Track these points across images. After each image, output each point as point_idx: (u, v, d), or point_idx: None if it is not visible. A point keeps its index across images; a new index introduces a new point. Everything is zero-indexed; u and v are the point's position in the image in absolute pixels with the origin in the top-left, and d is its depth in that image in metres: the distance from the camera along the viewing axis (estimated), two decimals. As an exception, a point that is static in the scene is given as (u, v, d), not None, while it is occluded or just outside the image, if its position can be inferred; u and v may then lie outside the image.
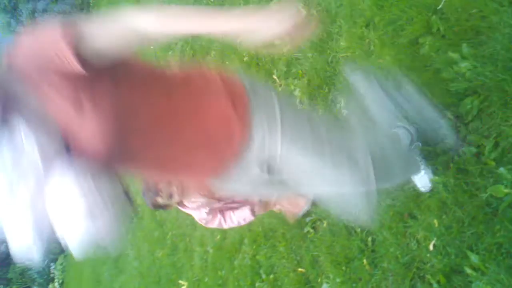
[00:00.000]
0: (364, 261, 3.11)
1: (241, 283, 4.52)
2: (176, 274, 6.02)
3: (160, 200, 3.11)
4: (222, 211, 3.31)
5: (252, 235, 4.43)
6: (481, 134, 2.45)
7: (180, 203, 3.26)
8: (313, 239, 3.63)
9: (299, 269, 3.75)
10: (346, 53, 3.50)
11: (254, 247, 4.40)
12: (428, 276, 2.65)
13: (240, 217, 3.37)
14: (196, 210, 3.29)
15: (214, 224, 3.35)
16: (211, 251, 5.25)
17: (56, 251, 14.25)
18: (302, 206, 3.64)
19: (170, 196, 3.11)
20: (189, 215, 3.46)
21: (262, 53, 4.62)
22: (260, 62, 4.66)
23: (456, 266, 2.50)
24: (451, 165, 2.57)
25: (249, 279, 4.39)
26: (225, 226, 3.41)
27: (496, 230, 2.32)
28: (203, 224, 3.39)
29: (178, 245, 6.15)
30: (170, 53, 7.27)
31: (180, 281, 5.82)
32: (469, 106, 2.49)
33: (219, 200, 3.27)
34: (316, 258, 3.59)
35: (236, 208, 3.35)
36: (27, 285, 17.24)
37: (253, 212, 3.43)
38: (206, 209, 3.26)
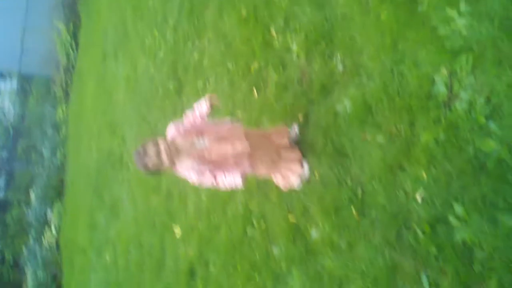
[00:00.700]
0: (353, 210, 3.23)
1: (233, 229, 4.67)
2: (170, 220, 6.17)
3: (151, 164, 3.17)
4: (212, 171, 3.39)
5: (246, 184, 4.54)
6: (474, 90, 2.52)
7: (173, 166, 3.33)
8: (304, 190, 3.74)
9: (290, 217, 3.88)
10: (344, 9, 3.52)
11: (246, 195, 4.53)
12: (414, 225, 2.78)
13: (231, 182, 3.45)
14: (187, 171, 3.36)
15: (207, 183, 3.43)
16: (204, 198, 5.38)
17: (53, 198, 14.45)
18: (294, 183, 3.76)
19: (160, 159, 3.18)
20: (183, 179, 3.54)
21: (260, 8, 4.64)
22: (258, 16, 4.67)
23: (441, 216, 2.63)
24: (443, 120, 2.66)
25: (241, 226, 4.53)
26: (217, 185, 3.49)
27: (482, 182, 2.42)
28: (195, 183, 3.47)
29: (172, 192, 6.27)
30: (168, 5, 7.23)
31: (174, 227, 5.98)
32: (463, 63, 2.55)
33: (209, 163, 3.36)
34: (306, 207, 3.72)
35: (227, 171, 3.43)
36: (24, 230, 17.51)
37: (244, 179, 3.52)
38: (195, 171, 3.34)
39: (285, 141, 3.77)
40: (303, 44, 3.98)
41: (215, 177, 3.37)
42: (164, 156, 3.17)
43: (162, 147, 3.17)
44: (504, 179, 2.32)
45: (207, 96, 3.52)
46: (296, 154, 3.74)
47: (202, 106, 3.50)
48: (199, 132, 3.40)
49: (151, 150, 3.15)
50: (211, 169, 3.34)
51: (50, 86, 17.17)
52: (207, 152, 3.32)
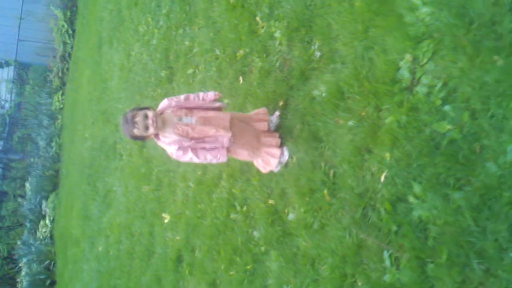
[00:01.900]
0: (325, 192, 3.37)
1: (218, 215, 4.80)
2: (160, 208, 6.30)
3: (136, 131, 3.35)
4: (193, 149, 3.56)
5: (230, 170, 4.69)
6: (433, 75, 2.66)
7: (156, 136, 3.51)
8: (282, 173, 3.88)
9: (269, 201, 4.02)
10: (322, -3, 3.66)
11: (231, 181, 4.67)
12: (378, 205, 2.92)
13: (215, 156, 3.62)
14: (168, 145, 3.53)
15: (185, 159, 3.59)
16: (192, 186, 5.51)
17: (48, 189, 14.54)
18: (273, 166, 3.91)
19: (146, 127, 3.35)
20: (163, 149, 3.71)
21: None
22: (245, 4, 4.80)
23: (401, 195, 2.77)
24: (405, 103, 2.79)
25: (225, 211, 4.67)
26: (197, 161, 3.65)
27: (437, 162, 2.56)
28: (173, 157, 3.64)
29: (162, 180, 6.41)
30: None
31: (164, 215, 6.11)
32: (425, 49, 2.69)
33: (191, 139, 3.51)
34: (284, 190, 3.86)
35: (208, 148, 3.60)
36: (19, 222, 17.60)
37: (225, 154, 3.69)
38: (176, 146, 3.51)
39: (265, 125, 3.92)
40: (285, 31, 4.11)
41: (196, 152, 3.52)
42: (150, 126, 3.33)
43: (150, 116, 3.34)
44: (456, 158, 2.46)
45: (215, 91, 3.78)
46: (275, 139, 3.88)
47: (208, 95, 3.69)
48: (188, 110, 3.56)
49: (138, 118, 3.32)
50: (192, 146, 3.49)
51: (46, 75, 17.27)
52: (191, 129, 3.46)
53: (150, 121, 3.34)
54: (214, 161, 3.64)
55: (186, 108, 3.61)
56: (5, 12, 16.02)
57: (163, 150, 3.65)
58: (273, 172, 3.98)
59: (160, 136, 3.50)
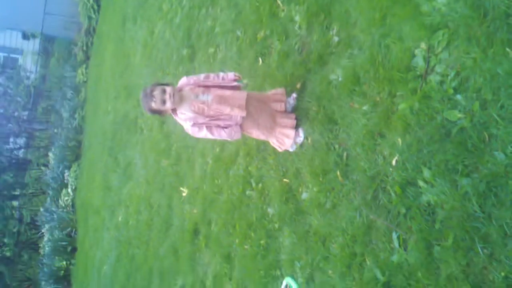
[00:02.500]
0: (338, 173, 3.48)
1: (234, 191, 4.94)
2: (178, 182, 6.47)
3: (154, 105, 3.50)
4: (208, 126, 3.71)
5: (247, 148, 4.81)
6: (447, 65, 2.72)
7: (174, 112, 3.65)
8: (298, 153, 3.99)
9: (284, 180, 4.14)
10: (343, -17, 3.72)
11: (247, 159, 4.79)
12: (388, 188, 3.01)
13: (230, 133, 3.76)
14: (184, 121, 3.69)
15: (200, 135, 3.75)
16: (210, 162, 5.66)
17: (71, 159, 14.87)
18: (288, 146, 4.02)
19: (163, 102, 3.50)
20: (179, 124, 3.86)
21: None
22: (266, -14, 4.87)
23: (411, 179, 2.86)
24: (419, 91, 2.87)
25: (241, 187, 4.81)
26: (211, 137, 3.80)
27: (447, 149, 2.64)
28: (189, 133, 3.79)
29: (181, 155, 6.57)
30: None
31: (182, 188, 6.28)
32: (440, 38, 2.75)
33: (206, 116, 3.65)
34: (299, 170, 3.97)
35: (223, 126, 3.74)
36: (42, 190, 18.06)
37: (239, 132, 3.84)
38: (191, 122, 3.66)
39: (282, 106, 4.02)
40: (305, 15, 4.18)
41: (210, 130, 3.66)
42: (167, 101, 3.49)
43: (168, 92, 3.49)
44: (465, 146, 2.53)
45: (235, 72, 3.90)
46: (291, 120, 3.98)
47: (228, 75, 3.82)
48: (206, 88, 3.69)
49: (157, 92, 3.48)
50: (206, 123, 3.63)
51: (71, 48, 17.51)
52: (207, 107, 3.59)
53: (167, 96, 3.49)
54: (229, 139, 3.79)
55: (203, 86, 3.73)
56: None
57: (182, 126, 3.80)
58: (288, 151, 4.09)
59: (178, 112, 3.65)
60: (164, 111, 3.60)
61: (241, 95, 3.75)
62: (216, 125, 3.70)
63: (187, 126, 3.70)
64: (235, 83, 3.85)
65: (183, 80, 3.80)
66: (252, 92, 4.20)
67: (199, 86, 3.74)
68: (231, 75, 3.83)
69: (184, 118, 3.64)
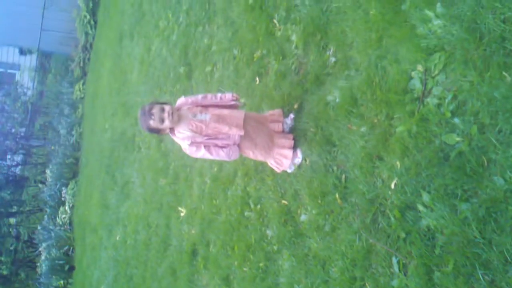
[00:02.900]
0: (337, 196, 3.45)
1: (232, 211, 4.90)
2: (176, 202, 6.43)
3: (152, 123, 3.49)
4: (206, 146, 3.69)
5: (245, 168, 4.78)
6: (444, 87, 2.71)
7: (171, 131, 3.64)
8: (296, 175, 3.96)
9: (283, 201, 4.10)
10: (339, 3, 3.71)
11: (245, 179, 4.76)
12: (388, 211, 2.98)
13: (228, 153, 3.75)
14: (182, 140, 3.68)
15: (197, 155, 3.73)
16: (208, 181, 5.62)
17: (68, 176, 14.81)
18: (286, 167, 3.99)
19: (162, 120, 3.49)
20: (177, 143, 3.85)
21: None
22: (263, 5, 4.86)
23: (410, 203, 2.83)
24: (416, 113, 2.84)
25: (239, 208, 4.77)
26: (209, 157, 3.78)
27: (445, 173, 2.62)
28: (187, 153, 3.77)
29: (179, 174, 6.54)
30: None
31: (180, 208, 6.24)
32: (436, 61, 2.73)
33: (204, 135, 3.64)
34: (297, 191, 3.94)
35: (221, 145, 3.73)
36: (39, 207, 17.96)
37: (237, 152, 3.83)
38: (189, 141, 3.64)
39: (279, 126, 4.00)
40: (301, 35, 4.17)
41: (208, 149, 3.65)
42: (165, 119, 3.48)
43: (166, 110, 3.49)
44: (464, 171, 2.51)
45: (233, 93, 3.90)
46: (288, 141, 3.95)
47: (226, 95, 3.81)
48: (203, 107, 3.68)
49: (156, 110, 3.47)
50: (204, 142, 3.62)
51: (68, 64, 17.54)
52: (205, 126, 3.58)
53: (166, 114, 3.50)
54: (227, 158, 3.77)
55: (201, 105, 3.73)
56: (29, 1, 16.25)
57: (180, 145, 3.78)
58: (286, 173, 4.06)
59: (175, 131, 3.64)
60: (162, 129, 3.59)
61: (239, 114, 3.74)
62: (214, 145, 3.68)
63: (185, 146, 3.68)
64: (233, 103, 3.85)
65: (181, 100, 3.80)
66: (250, 112, 4.19)
67: (197, 105, 3.74)
68: (229, 95, 3.83)
69: (182, 137, 3.64)
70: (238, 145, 3.79)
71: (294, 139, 3.99)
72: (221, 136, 3.67)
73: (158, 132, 3.65)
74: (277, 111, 4.13)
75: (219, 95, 3.85)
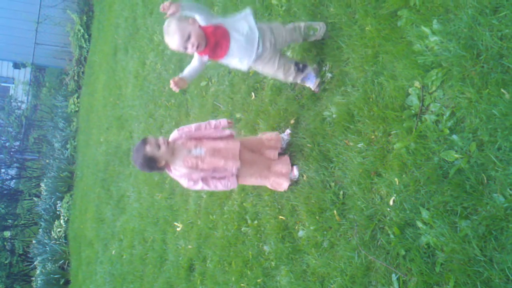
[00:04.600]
0: (335, 212, 3.43)
1: (229, 227, 4.87)
2: (173, 216, 6.39)
3: (148, 148, 3.45)
4: (204, 179, 3.70)
5: (241, 184, 4.74)
6: (442, 104, 2.71)
7: (168, 168, 3.66)
8: (293, 190, 3.94)
9: (280, 217, 4.08)
10: (334, 19, 3.71)
11: (242, 195, 4.74)
12: (387, 228, 2.97)
13: (225, 185, 3.77)
14: (179, 177, 3.68)
15: (196, 188, 3.76)
16: (204, 196, 5.59)
17: (63, 190, 14.72)
18: (285, 186, 3.97)
19: (158, 146, 3.46)
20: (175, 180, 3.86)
21: (260, 11, 4.84)
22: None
23: (409, 220, 2.81)
24: (414, 130, 2.84)
25: (236, 223, 4.74)
26: (208, 189, 3.89)
27: (445, 190, 2.61)
28: (185, 187, 3.79)
29: (175, 189, 6.50)
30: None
31: (176, 223, 6.20)
32: (433, 78, 2.73)
33: (201, 170, 3.64)
34: (294, 207, 3.92)
35: (218, 178, 3.75)
36: (34, 221, 17.84)
37: (236, 177, 3.84)
38: (186, 179, 3.67)
39: (275, 154, 3.98)
40: (298, 50, 4.17)
41: (206, 182, 3.66)
42: (161, 145, 3.49)
43: (160, 140, 3.47)
44: (463, 188, 2.50)
45: (228, 119, 3.91)
46: (285, 167, 3.93)
47: (221, 122, 3.83)
48: (198, 141, 3.66)
49: (151, 139, 3.47)
50: (203, 177, 3.63)
51: (62, 77, 17.51)
52: (200, 161, 3.58)
53: (161, 141, 3.48)
54: (225, 189, 3.79)
55: (195, 138, 3.71)
56: (23, 16, 16.23)
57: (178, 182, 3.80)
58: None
59: (172, 168, 3.63)
60: (159, 159, 3.52)
61: (235, 145, 3.75)
62: (212, 177, 3.69)
63: (183, 182, 3.69)
64: (227, 132, 3.82)
65: (174, 134, 3.77)
66: (245, 139, 4.14)
67: (191, 139, 3.71)
68: (223, 122, 3.81)
69: (179, 175, 3.66)
70: (236, 175, 3.80)
71: (290, 155, 3.99)
72: (217, 169, 3.67)
73: (154, 164, 3.57)
74: (275, 136, 4.10)
75: (213, 122, 3.82)
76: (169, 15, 3.19)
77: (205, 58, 3.47)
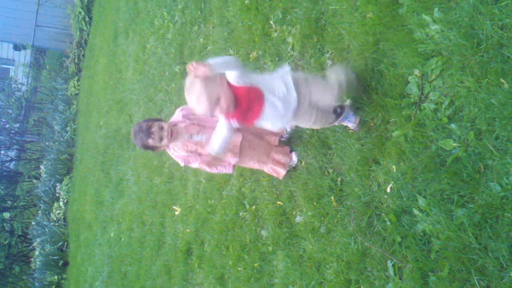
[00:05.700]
0: (332, 198, 3.45)
1: (227, 211, 4.90)
2: (171, 200, 6.42)
3: (151, 141, 3.48)
4: (201, 163, 3.76)
5: (240, 169, 4.77)
6: (441, 92, 2.71)
7: (167, 148, 3.68)
8: (291, 176, 3.96)
9: (278, 202, 4.10)
10: (335, 6, 3.70)
11: (241, 180, 4.76)
12: (383, 215, 2.99)
13: (221, 170, 3.81)
14: (176, 157, 3.73)
15: (193, 166, 3.78)
16: (203, 181, 5.61)
17: (62, 172, 14.74)
18: (282, 174, 3.99)
19: (161, 139, 3.48)
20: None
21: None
22: (259, 6, 4.84)
23: (406, 208, 2.84)
24: (413, 118, 2.85)
25: (234, 208, 4.77)
26: (205, 170, 3.87)
27: (441, 178, 2.63)
28: (181, 165, 3.81)
29: (174, 173, 6.52)
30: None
31: (174, 207, 6.23)
32: (433, 66, 2.74)
33: (199, 155, 3.67)
34: (292, 193, 3.95)
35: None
36: (33, 203, 17.90)
37: (233, 166, 3.92)
38: (182, 161, 3.72)
39: (275, 140, 3.99)
40: (298, 37, 4.16)
41: (206, 165, 3.68)
42: (164, 138, 3.50)
43: (165, 128, 3.50)
44: (460, 176, 2.52)
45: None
46: (284, 157, 3.94)
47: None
48: (201, 127, 3.68)
49: (154, 128, 3.49)
50: (201, 160, 3.65)
51: (63, 60, 17.46)
52: (200, 147, 3.60)
53: (165, 133, 3.50)
54: (220, 173, 3.82)
55: (199, 125, 3.72)
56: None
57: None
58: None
59: (170, 147, 3.65)
60: (159, 147, 3.58)
61: (236, 138, 3.74)
62: (208, 161, 3.73)
63: (179, 162, 3.75)
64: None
65: (177, 115, 3.79)
66: (248, 132, 4.13)
67: (194, 124, 3.72)
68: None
69: (177, 155, 3.68)
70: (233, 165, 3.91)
71: (289, 143, 4.01)
72: (216, 157, 3.68)
73: (154, 149, 3.64)
74: None
75: None
76: (199, 77, 2.66)
77: (234, 123, 2.98)
